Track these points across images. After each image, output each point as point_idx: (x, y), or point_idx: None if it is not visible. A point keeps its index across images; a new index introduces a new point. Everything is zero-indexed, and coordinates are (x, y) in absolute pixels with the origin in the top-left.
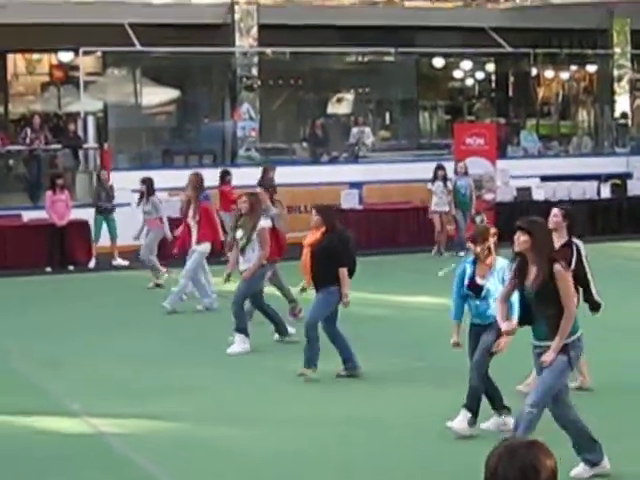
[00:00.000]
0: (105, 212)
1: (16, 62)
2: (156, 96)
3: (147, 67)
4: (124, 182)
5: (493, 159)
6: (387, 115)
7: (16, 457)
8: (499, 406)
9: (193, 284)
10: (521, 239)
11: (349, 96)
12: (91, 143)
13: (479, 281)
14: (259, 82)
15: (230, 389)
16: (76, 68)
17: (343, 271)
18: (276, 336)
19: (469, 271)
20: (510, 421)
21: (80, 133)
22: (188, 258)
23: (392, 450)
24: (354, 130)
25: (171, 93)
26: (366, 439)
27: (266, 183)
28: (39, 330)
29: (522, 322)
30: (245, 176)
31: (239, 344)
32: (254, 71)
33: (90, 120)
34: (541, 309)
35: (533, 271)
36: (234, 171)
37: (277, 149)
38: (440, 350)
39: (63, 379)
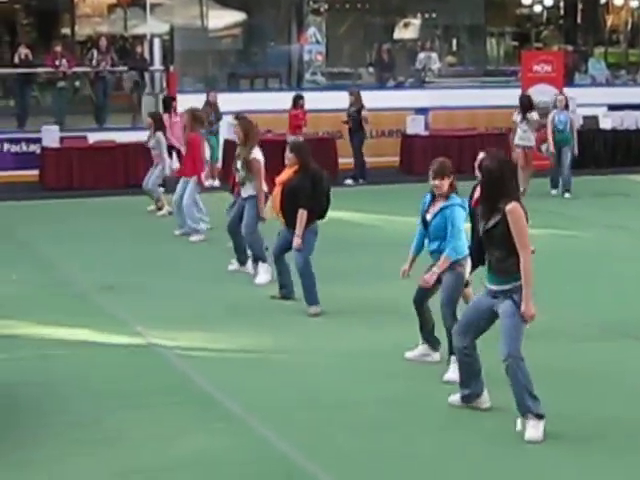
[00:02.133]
0: (214, 133)
1: None
2: (222, 19)
3: None
4: (189, 105)
5: (560, 87)
6: (454, 41)
7: (78, 376)
8: (430, 338)
9: (187, 210)
10: (481, 178)
11: (416, 21)
12: (157, 65)
13: (428, 217)
14: (326, 5)
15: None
16: None
17: (302, 213)
18: (232, 266)
19: (426, 205)
20: (436, 356)
21: (146, 55)
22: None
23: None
24: (421, 55)
25: (237, 16)
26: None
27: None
28: (110, 252)
29: (476, 263)
30: (310, 100)
31: (264, 273)
32: None
33: (156, 42)
34: (491, 251)
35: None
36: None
37: (343, 73)
38: None
39: (131, 303)
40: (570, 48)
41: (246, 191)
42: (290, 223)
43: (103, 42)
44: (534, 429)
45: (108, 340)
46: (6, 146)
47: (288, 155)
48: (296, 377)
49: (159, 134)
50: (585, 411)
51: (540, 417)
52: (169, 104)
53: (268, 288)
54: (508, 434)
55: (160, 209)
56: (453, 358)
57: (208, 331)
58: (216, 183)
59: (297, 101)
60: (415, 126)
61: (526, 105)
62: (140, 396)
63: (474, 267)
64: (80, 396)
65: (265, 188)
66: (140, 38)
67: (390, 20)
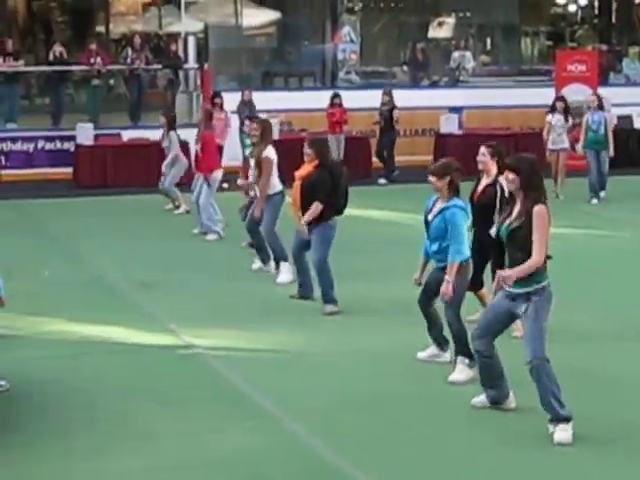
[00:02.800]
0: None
1: None
2: (257, 17)
3: None
4: (225, 103)
5: (595, 86)
6: (488, 40)
7: (110, 373)
8: (439, 339)
9: (203, 209)
10: (509, 177)
11: (450, 20)
12: (191, 63)
13: (429, 217)
14: (360, 4)
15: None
16: None
17: (317, 205)
18: (256, 265)
19: (430, 206)
20: (447, 356)
21: (180, 53)
22: (195, 185)
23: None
24: (455, 54)
25: (272, 14)
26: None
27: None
28: (138, 248)
29: (496, 264)
30: (344, 99)
31: (286, 273)
32: None
33: (191, 40)
34: (512, 252)
35: (516, 210)
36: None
37: (377, 72)
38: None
39: (162, 300)
40: (604, 47)
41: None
42: (314, 219)
43: (137, 40)
44: (563, 432)
45: (140, 337)
46: (41, 143)
47: (307, 151)
48: (322, 376)
49: (172, 133)
50: (610, 413)
51: (568, 420)
52: (213, 100)
53: (289, 287)
54: (532, 435)
55: (178, 207)
56: (459, 359)
57: (236, 329)
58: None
59: (333, 99)
60: (449, 125)
61: (564, 107)
62: (171, 393)
63: (484, 262)
64: (111, 393)
65: (279, 186)
66: (174, 36)
67: (424, 19)
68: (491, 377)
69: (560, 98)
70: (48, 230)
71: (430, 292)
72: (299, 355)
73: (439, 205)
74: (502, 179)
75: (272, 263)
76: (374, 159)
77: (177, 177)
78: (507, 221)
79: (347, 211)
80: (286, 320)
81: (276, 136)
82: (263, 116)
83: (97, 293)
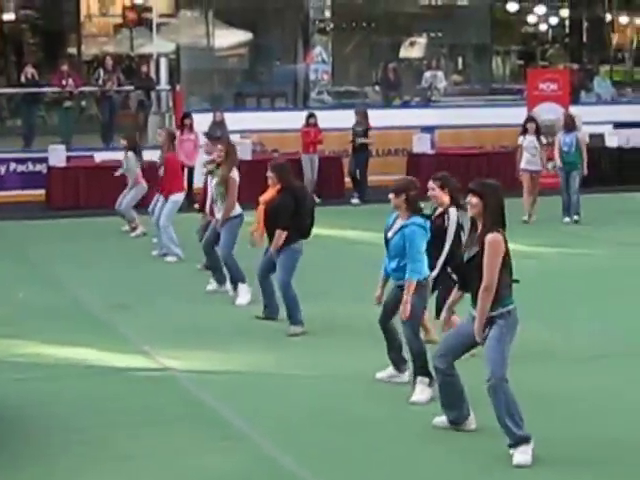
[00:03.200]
0: None
1: (89, 4)
2: (228, 38)
3: (219, 9)
4: (195, 124)
5: (566, 105)
6: (460, 59)
7: (87, 395)
8: (397, 360)
9: (163, 231)
10: (472, 202)
11: (422, 40)
12: (163, 85)
13: (389, 234)
14: (332, 25)
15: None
16: (149, 10)
17: (280, 233)
18: (211, 286)
19: (390, 224)
20: (405, 376)
21: (152, 75)
22: (153, 207)
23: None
24: (427, 74)
25: (243, 35)
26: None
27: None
28: (107, 271)
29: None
30: (317, 119)
31: (244, 294)
32: (327, 13)
33: (162, 62)
34: (472, 281)
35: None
36: (306, 114)
37: (349, 92)
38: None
39: (134, 321)
40: (576, 66)
41: (220, 210)
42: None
43: (109, 61)
44: (523, 454)
45: (115, 359)
46: (12, 166)
47: (270, 175)
48: (292, 397)
49: (130, 154)
50: (574, 434)
51: (526, 440)
52: (183, 122)
53: (251, 309)
54: (494, 455)
55: (134, 229)
56: (419, 379)
57: (207, 350)
58: None
59: (309, 119)
60: (421, 145)
61: (535, 128)
62: (147, 414)
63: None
64: (87, 415)
65: (239, 209)
66: (146, 57)
67: (396, 39)
68: (451, 397)
69: (530, 119)
70: (21, 253)
71: (389, 311)
72: (269, 375)
73: (399, 222)
74: (451, 210)
75: (228, 284)
76: (347, 179)
77: (135, 200)
78: (467, 250)
79: (320, 230)
80: (254, 341)
81: (248, 157)
82: (236, 137)
83: (71, 316)
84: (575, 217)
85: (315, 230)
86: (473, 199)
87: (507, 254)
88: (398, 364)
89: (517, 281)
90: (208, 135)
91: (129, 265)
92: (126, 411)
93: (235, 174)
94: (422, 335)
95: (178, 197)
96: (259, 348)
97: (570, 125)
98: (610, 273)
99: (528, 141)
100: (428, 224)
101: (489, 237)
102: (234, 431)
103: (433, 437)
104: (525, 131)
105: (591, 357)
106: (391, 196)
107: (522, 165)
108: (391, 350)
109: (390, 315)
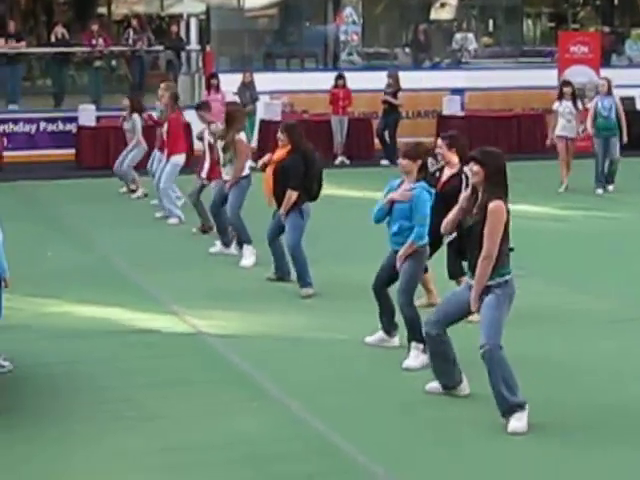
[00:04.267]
0: (249, 113)
1: None
2: None
3: None
4: (225, 84)
5: (597, 68)
6: (490, 21)
7: (115, 354)
8: (388, 326)
9: (163, 193)
10: (474, 169)
11: (452, 1)
12: (193, 45)
13: (394, 196)
14: None
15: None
16: None
17: (291, 194)
18: (215, 248)
19: (394, 187)
20: (395, 341)
21: (182, 35)
22: (155, 166)
23: None
24: (457, 36)
25: None
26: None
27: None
28: (137, 229)
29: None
30: (347, 80)
31: (249, 256)
32: None
33: (192, 22)
34: (471, 249)
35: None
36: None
37: (379, 54)
38: (541, 258)
39: (165, 281)
40: (607, 29)
41: (228, 173)
42: (281, 204)
43: (139, 21)
44: (517, 421)
45: (144, 319)
46: (43, 125)
47: (280, 136)
48: (318, 359)
49: (135, 116)
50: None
51: (521, 406)
52: (210, 82)
53: (256, 270)
54: (486, 421)
55: (134, 191)
56: (413, 345)
57: (231, 310)
58: (252, 164)
59: (337, 80)
60: (451, 107)
61: (572, 92)
62: (175, 374)
63: (435, 249)
64: (115, 375)
65: (247, 170)
66: (176, 18)
67: (426, 0)
68: (442, 363)
69: (566, 83)
70: (50, 212)
71: (385, 276)
72: (292, 338)
73: (405, 186)
74: (467, 169)
75: (233, 247)
76: (376, 140)
77: (135, 161)
78: (467, 217)
79: (349, 192)
80: (271, 303)
81: (278, 117)
82: (265, 98)
83: (100, 276)
84: (610, 187)
85: (344, 192)
86: (475, 167)
87: (507, 223)
88: (389, 329)
89: (512, 249)
90: (197, 106)
91: (137, 226)
92: (153, 371)
93: (242, 136)
94: (424, 298)
95: (179, 159)
96: (277, 310)
97: (609, 89)
98: (633, 238)
99: (564, 106)
100: (433, 191)
101: (492, 205)
102: (264, 391)
103: (424, 401)
104: (561, 96)
105: (619, 320)
106: (404, 161)
107: (557, 131)
108: (383, 315)
109: (385, 280)
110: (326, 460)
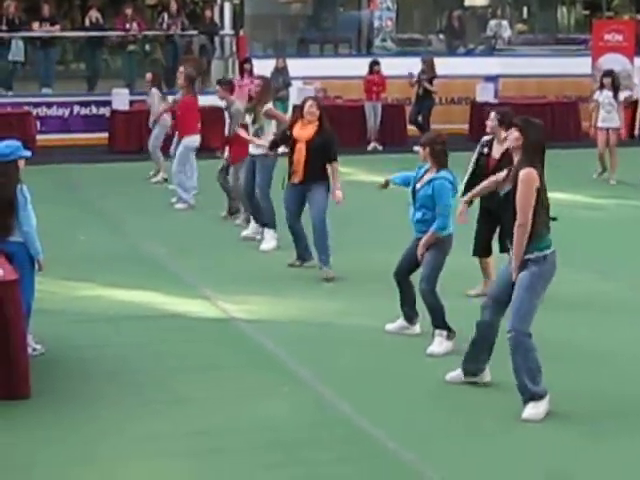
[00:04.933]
0: (282, 99)
1: None
2: None
3: None
4: (258, 70)
5: (631, 56)
6: (525, 9)
7: (146, 338)
8: (410, 313)
9: (175, 177)
10: (513, 135)
11: None
12: (227, 30)
13: (417, 186)
14: None
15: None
16: None
17: (336, 165)
18: (248, 231)
19: (419, 175)
20: (416, 329)
21: (216, 19)
22: (174, 150)
23: None
24: (491, 23)
25: None
26: None
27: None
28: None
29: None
30: (381, 67)
31: (270, 239)
32: None
33: (226, 7)
34: (506, 218)
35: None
36: (370, 61)
37: (413, 40)
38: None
39: (195, 266)
40: None
41: (256, 148)
42: (315, 179)
43: (173, 6)
44: (533, 409)
45: (176, 303)
46: (76, 109)
47: (313, 110)
48: (345, 343)
49: (154, 90)
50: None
51: (541, 396)
52: (243, 66)
53: (278, 254)
54: (513, 409)
55: (155, 175)
56: (437, 332)
57: (261, 295)
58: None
59: (372, 66)
60: (485, 94)
61: (612, 82)
62: (206, 359)
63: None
64: (146, 358)
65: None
66: (210, 2)
67: None
68: (481, 351)
69: (608, 73)
70: (83, 196)
71: (407, 262)
72: (319, 322)
73: (429, 175)
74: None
75: (251, 226)
76: (409, 126)
77: (159, 138)
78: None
79: (376, 178)
80: (296, 287)
81: None
82: (298, 83)
83: (132, 260)
84: None
85: (374, 177)
86: (515, 133)
87: (543, 191)
88: (410, 317)
89: (555, 219)
90: (219, 81)
91: (167, 211)
92: (185, 355)
93: (271, 105)
94: (480, 286)
95: (190, 141)
96: (302, 295)
97: None
98: None
99: (604, 96)
100: (456, 180)
101: (522, 172)
102: (295, 376)
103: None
104: (602, 86)
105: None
106: (419, 148)
107: (599, 123)
108: (404, 303)
109: (407, 267)
110: (356, 446)
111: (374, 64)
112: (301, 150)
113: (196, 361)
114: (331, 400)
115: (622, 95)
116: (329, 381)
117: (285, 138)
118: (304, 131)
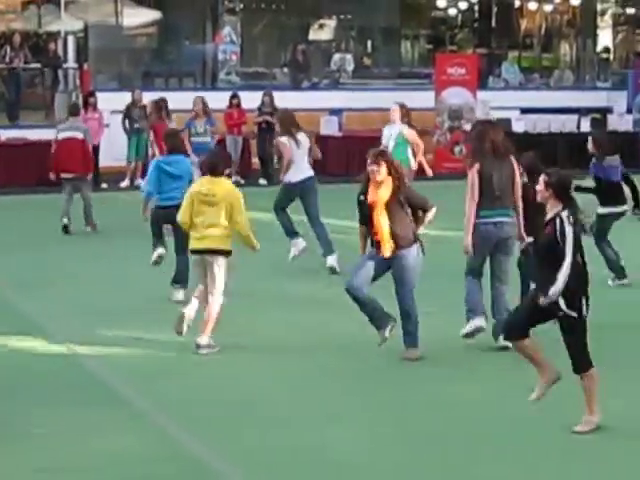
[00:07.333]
0: (138, 131)
1: None
2: (137, 17)
3: None
4: (103, 103)
5: (474, 90)
6: (369, 43)
7: None
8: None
9: None
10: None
11: (331, 22)
12: (71, 63)
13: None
14: (241, 5)
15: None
16: None
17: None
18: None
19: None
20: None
21: (60, 53)
22: None
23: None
24: (335, 57)
25: (152, 14)
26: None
27: None
28: (15, 249)
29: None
30: (225, 100)
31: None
32: None
33: (70, 40)
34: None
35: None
36: (214, 95)
37: (258, 73)
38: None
39: (40, 301)
40: (484, 51)
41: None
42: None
43: (17, 38)
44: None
45: (17, 339)
46: None
47: (375, 168)
48: (196, 376)
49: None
50: None
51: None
52: (87, 100)
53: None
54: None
55: None
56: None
57: (109, 330)
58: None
59: (232, 100)
60: (329, 127)
61: None
62: (51, 394)
63: None
64: None
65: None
66: (54, 35)
67: (305, 21)
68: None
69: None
70: None
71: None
72: (169, 356)
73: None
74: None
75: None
76: (254, 160)
77: None
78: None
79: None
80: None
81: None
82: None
83: None
84: None
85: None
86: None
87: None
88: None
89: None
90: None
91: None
92: (28, 390)
93: (284, 139)
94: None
95: None
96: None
97: None
98: None
99: None
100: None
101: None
102: (138, 411)
103: None
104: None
105: None
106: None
107: None
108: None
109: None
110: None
111: (233, 97)
112: (378, 219)
113: (42, 397)
114: (177, 435)
115: (467, 127)
116: (174, 416)
117: None
118: (378, 194)
